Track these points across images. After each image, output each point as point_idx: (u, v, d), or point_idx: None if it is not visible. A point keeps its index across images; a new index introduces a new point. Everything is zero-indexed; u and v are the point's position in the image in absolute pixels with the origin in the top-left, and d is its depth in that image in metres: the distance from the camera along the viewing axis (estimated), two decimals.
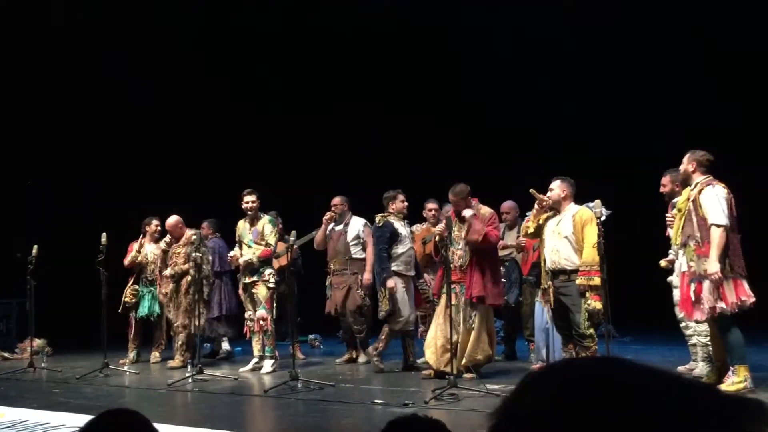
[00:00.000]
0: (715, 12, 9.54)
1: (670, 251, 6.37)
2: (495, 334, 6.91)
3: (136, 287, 8.79)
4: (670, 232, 6.33)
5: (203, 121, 11.84)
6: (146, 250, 8.78)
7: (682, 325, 6.46)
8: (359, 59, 11.62)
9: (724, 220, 5.36)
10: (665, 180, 6.41)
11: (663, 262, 6.50)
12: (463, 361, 6.52)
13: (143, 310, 8.71)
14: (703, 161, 5.62)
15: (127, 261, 8.80)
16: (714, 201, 5.41)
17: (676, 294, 6.41)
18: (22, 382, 7.61)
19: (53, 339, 9.52)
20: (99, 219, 8.71)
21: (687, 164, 5.66)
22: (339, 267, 7.96)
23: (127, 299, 8.82)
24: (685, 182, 5.71)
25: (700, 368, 6.29)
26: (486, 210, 6.75)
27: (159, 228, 8.70)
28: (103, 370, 7.66)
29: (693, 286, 5.43)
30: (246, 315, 7.83)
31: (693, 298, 5.43)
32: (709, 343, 6.14)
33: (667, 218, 6.22)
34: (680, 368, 6.69)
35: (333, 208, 8.04)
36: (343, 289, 7.87)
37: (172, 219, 8.42)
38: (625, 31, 10.21)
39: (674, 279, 6.48)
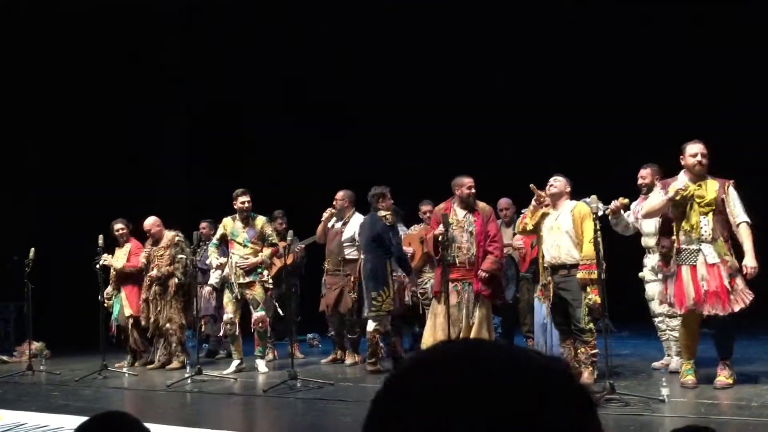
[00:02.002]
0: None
1: (647, 262, 6.40)
2: (494, 331, 6.93)
3: (109, 290, 8.63)
4: (645, 227, 6.33)
5: (203, 120, 11.86)
6: (117, 254, 8.60)
7: (658, 320, 6.46)
8: (358, 56, 11.64)
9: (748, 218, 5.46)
10: (645, 173, 6.37)
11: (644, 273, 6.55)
12: None
13: (114, 314, 8.59)
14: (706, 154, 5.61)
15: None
16: (739, 199, 5.49)
17: (650, 289, 6.42)
18: (21, 385, 7.61)
19: (51, 342, 9.50)
20: (97, 221, 8.68)
21: (703, 158, 5.56)
22: (332, 267, 7.90)
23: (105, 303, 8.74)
24: (700, 177, 5.57)
25: (675, 362, 6.28)
26: (484, 204, 6.79)
27: (124, 231, 8.52)
28: (102, 372, 7.67)
29: (728, 280, 5.40)
30: (225, 317, 7.60)
31: (730, 290, 5.41)
32: None
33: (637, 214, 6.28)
34: (656, 364, 6.69)
35: (334, 203, 7.97)
36: (335, 290, 7.79)
37: (151, 219, 8.36)
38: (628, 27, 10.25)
39: (647, 274, 6.47)
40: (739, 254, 5.47)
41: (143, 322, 8.33)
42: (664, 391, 5.01)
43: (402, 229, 8.23)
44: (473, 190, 6.74)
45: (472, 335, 6.51)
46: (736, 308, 5.37)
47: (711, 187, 5.54)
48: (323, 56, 11.64)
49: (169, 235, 8.24)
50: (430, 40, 11.37)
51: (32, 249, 8.20)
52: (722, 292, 5.42)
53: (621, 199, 6.17)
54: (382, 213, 7.20)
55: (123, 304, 8.48)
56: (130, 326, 8.47)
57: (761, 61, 9.54)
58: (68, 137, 10.89)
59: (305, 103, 12.11)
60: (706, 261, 5.46)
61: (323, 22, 11.57)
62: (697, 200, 5.51)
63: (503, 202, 7.92)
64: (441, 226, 6.43)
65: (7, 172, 10.60)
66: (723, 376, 5.48)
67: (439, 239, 6.44)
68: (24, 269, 8.13)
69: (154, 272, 8.21)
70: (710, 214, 5.49)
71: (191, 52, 12.06)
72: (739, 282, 5.39)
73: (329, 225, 8.00)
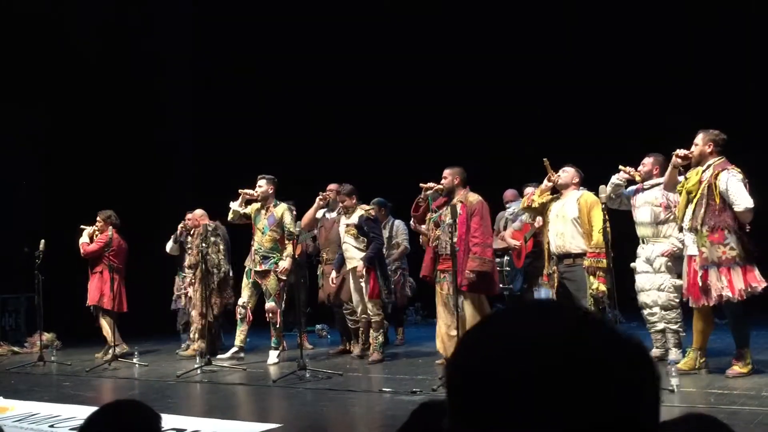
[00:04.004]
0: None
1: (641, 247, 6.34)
2: None
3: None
4: (640, 216, 6.25)
5: (208, 113, 11.87)
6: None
7: (646, 312, 6.38)
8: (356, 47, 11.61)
9: (752, 202, 5.28)
10: (648, 161, 6.23)
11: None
12: None
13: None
14: (719, 141, 5.45)
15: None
16: (738, 186, 5.29)
17: (638, 280, 6.25)
18: (32, 375, 7.66)
19: (62, 332, 9.57)
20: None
21: (703, 145, 5.45)
22: (332, 256, 7.90)
23: None
24: (698, 163, 5.50)
25: (674, 354, 6.21)
26: (474, 197, 6.63)
27: (99, 223, 8.55)
28: (112, 362, 7.72)
29: (700, 273, 5.36)
30: (239, 302, 7.71)
31: (700, 284, 5.38)
32: (680, 329, 6.06)
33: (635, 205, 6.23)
34: None
35: (327, 194, 7.91)
36: (338, 278, 7.75)
37: (198, 212, 8.50)
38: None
39: (638, 265, 6.36)
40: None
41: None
42: (674, 381, 5.00)
43: (401, 223, 8.29)
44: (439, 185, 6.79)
45: (465, 327, 6.43)
46: (707, 303, 5.33)
47: (697, 173, 5.45)
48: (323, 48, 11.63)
49: (201, 225, 8.29)
50: (428, 26, 11.34)
51: (42, 240, 8.25)
52: (694, 286, 5.39)
53: (635, 172, 6.12)
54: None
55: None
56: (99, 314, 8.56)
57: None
58: (80, 126, 10.92)
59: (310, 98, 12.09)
60: (686, 252, 5.47)
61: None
62: (684, 184, 5.47)
63: (508, 193, 7.90)
64: (431, 186, 6.70)
65: (17, 164, 10.64)
66: (737, 366, 5.46)
67: (427, 193, 6.68)
68: (34, 260, 8.19)
69: (185, 262, 8.37)
70: (694, 203, 5.39)
71: (202, 46, 12.07)
72: (713, 277, 5.28)
73: (318, 215, 8.02)
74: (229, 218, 7.83)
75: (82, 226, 8.61)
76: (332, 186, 7.98)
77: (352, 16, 11.42)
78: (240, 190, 7.68)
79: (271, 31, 11.92)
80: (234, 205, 7.69)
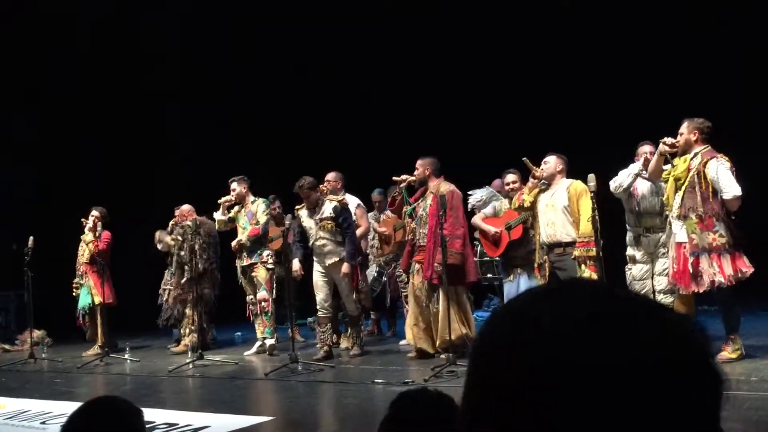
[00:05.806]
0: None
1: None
2: (470, 312, 6.59)
3: (77, 280, 8.73)
4: (649, 205, 6.19)
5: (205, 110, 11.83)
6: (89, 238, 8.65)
7: None
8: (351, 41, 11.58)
9: (740, 190, 5.29)
10: (649, 149, 6.20)
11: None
12: (437, 342, 6.48)
13: (81, 303, 8.64)
14: (704, 129, 5.48)
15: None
16: (727, 174, 5.30)
17: (635, 269, 6.16)
18: (23, 372, 7.64)
19: (53, 329, 9.53)
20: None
21: (688, 133, 5.48)
22: None
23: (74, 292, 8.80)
24: (684, 151, 5.54)
25: None
26: (445, 187, 6.52)
27: (97, 220, 8.54)
28: (104, 358, 7.70)
29: (691, 259, 5.39)
30: (247, 299, 7.87)
31: (691, 271, 5.41)
32: None
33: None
34: None
35: (326, 184, 7.93)
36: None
37: (185, 207, 8.50)
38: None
39: (636, 254, 6.30)
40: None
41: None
42: None
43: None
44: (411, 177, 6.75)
45: (440, 319, 6.36)
46: (697, 290, 5.35)
47: (684, 161, 5.47)
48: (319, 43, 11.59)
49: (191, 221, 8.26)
50: (426, 25, 11.32)
51: (31, 237, 8.21)
52: (684, 273, 5.40)
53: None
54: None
55: (93, 293, 8.53)
56: (99, 314, 8.54)
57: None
58: (72, 122, 10.85)
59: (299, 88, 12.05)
60: (675, 240, 5.47)
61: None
62: (672, 172, 5.50)
63: (495, 184, 7.87)
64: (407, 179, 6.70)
65: (5, 161, 10.57)
66: (726, 351, 5.50)
67: (402, 185, 6.71)
68: (23, 257, 8.15)
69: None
70: (682, 190, 5.41)
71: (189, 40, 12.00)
72: (705, 263, 5.30)
73: None
74: (217, 229, 7.97)
75: (84, 220, 8.52)
76: (330, 176, 7.95)
77: (352, 16, 11.38)
78: (219, 201, 7.81)
79: (269, 28, 11.86)
80: (217, 216, 7.86)
